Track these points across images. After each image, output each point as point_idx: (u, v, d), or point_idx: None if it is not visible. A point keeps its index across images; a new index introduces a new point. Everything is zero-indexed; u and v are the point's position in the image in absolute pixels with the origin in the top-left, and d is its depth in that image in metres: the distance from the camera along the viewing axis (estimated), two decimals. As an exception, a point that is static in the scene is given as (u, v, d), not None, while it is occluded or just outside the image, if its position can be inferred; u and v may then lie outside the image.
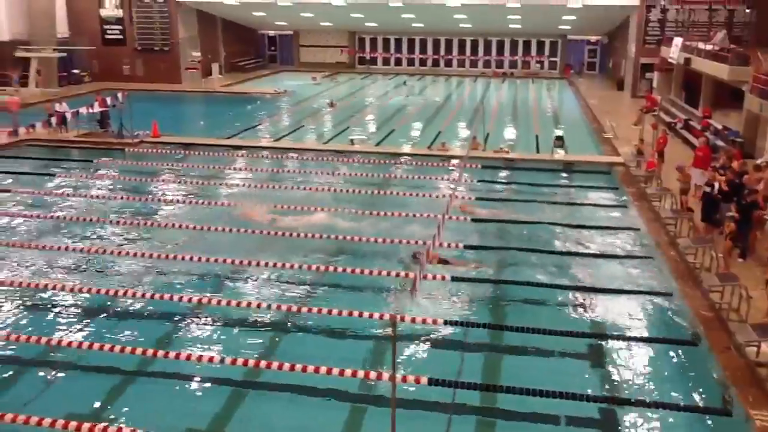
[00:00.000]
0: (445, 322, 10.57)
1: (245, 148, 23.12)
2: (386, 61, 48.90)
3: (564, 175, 20.47)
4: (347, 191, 17.71)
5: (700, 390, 9.14)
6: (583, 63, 47.48)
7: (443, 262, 12.96)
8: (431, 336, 10.44)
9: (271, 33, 49.05)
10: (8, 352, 10.03)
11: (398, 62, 48.72)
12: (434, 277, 12.11)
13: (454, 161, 21.15)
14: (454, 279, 12.23)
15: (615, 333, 10.65)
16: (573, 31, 44.83)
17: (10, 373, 9.62)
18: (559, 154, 22.05)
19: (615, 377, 9.49)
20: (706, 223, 13.95)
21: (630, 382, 9.35)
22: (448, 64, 48.37)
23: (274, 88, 37.31)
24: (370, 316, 10.54)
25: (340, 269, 12.49)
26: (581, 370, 9.72)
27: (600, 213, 16.58)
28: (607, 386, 9.30)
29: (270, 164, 21.31)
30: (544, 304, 11.62)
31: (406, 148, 23.49)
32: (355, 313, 10.58)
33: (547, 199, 17.40)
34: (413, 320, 10.52)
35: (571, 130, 26.72)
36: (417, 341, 10.30)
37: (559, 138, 23.30)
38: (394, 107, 32.96)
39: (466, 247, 13.84)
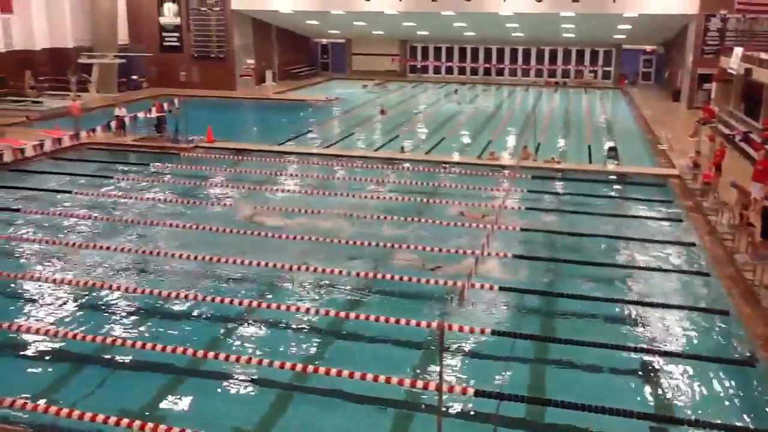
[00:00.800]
0: (493, 332, 10.49)
1: (296, 155, 23.40)
2: (437, 70, 48.91)
3: (617, 186, 20.12)
4: (396, 199, 17.77)
5: (755, 413, 8.85)
6: (638, 73, 46.58)
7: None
8: (478, 346, 10.38)
9: (324, 41, 49.60)
10: (66, 349, 10.36)
11: (449, 71, 48.66)
12: (482, 287, 12.04)
13: (504, 171, 21.01)
14: (501, 289, 12.14)
15: (667, 350, 10.40)
16: (628, 41, 44.05)
17: (68, 369, 9.94)
18: (612, 165, 21.68)
19: (666, 395, 9.27)
20: (765, 238, 13.52)
21: (682, 401, 9.11)
22: (500, 73, 48.08)
23: (326, 96, 37.71)
24: (417, 324, 10.53)
25: (387, 276, 12.51)
26: (631, 386, 9.52)
27: (654, 226, 16.24)
28: (657, 404, 9.08)
29: (320, 171, 21.52)
30: (594, 318, 11.43)
31: (456, 157, 23.44)
32: (402, 321, 10.58)
33: (599, 211, 17.13)
34: (460, 329, 10.47)
35: (625, 141, 26.26)
36: (463, 351, 10.27)
37: (612, 149, 22.92)
38: (444, 116, 32.94)
39: (515, 256, 13.71)
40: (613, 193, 19.43)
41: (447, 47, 48.24)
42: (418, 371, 9.69)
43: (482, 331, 10.47)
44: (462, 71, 48.39)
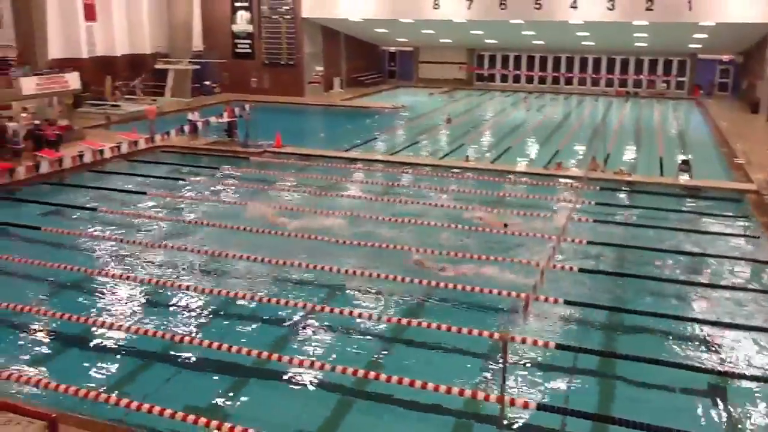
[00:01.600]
0: (557, 346, 10.31)
1: (361, 161, 23.60)
2: (504, 78, 48.50)
3: (689, 200, 19.47)
4: (460, 207, 17.70)
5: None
6: (714, 83, 44.94)
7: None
8: (541, 359, 10.24)
9: (392, 49, 49.91)
10: (136, 345, 10.73)
11: (517, 79, 48.19)
12: (546, 299, 11.86)
13: (571, 182, 20.65)
14: (567, 302, 11.93)
15: (741, 372, 10.00)
16: (704, 50, 42.63)
17: (138, 364, 10.29)
18: (685, 179, 21.00)
19: (739, 420, 8.91)
20: None
21: (755, 427, 8.74)
22: (569, 82, 47.31)
23: (392, 103, 37.91)
24: (480, 333, 10.46)
25: (450, 285, 12.46)
26: (702, 409, 9.19)
27: (729, 242, 15.65)
28: (728, 429, 8.74)
29: (384, 178, 21.64)
30: (664, 335, 11.09)
31: (522, 167, 23.19)
32: (464, 330, 10.53)
33: (670, 225, 16.63)
34: (523, 341, 10.34)
35: (699, 153, 25.41)
36: (526, 363, 10.13)
37: (685, 162, 22.20)
38: (511, 125, 32.64)
39: (581, 270, 13.45)
40: (685, 208, 18.80)
41: (515, 55, 47.79)
42: (478, 382, 9.61)
43: (546, 345, 10.31)
44: (530, 80, 47.85)
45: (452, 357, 10.39)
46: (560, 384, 9.68)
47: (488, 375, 9.88)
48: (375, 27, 41.81)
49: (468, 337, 10.47)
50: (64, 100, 27.00)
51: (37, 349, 10.76)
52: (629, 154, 26.07)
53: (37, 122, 23.04)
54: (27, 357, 10.37)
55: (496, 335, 10.32)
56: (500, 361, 8.81)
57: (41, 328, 11.30)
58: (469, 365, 10.20)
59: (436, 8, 36.83)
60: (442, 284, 12.52)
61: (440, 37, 44.04)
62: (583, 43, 42.00)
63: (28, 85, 23.26)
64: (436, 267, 13.57)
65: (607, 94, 44.87)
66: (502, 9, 35.67)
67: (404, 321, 11.15)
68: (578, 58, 46.80)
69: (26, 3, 27.17)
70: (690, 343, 10.88)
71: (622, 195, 19.88)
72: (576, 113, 38.54)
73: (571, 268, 13.44)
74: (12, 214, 16.99)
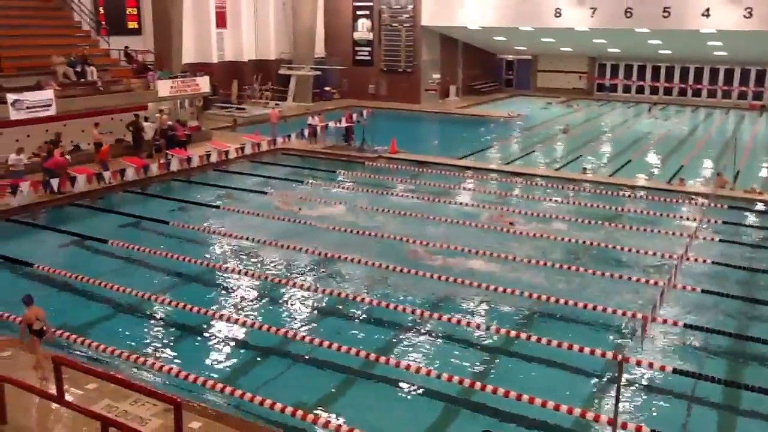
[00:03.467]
0: (674, 371, 9.85)
1: (475, 170, 23.48)
2: (627, 89, 46.69)
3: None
4: (575, 220, 17.25)
5: None
6: None
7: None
8: (657, 383, 9.81)
9: (510, 57, 49.32)
10: (249, 338, 11.21)
11: (640, 90, 46.24)
12: (664, 321, 11.34)
13: (696, 199, 19.62)
14: (687, 326, 11.36)
15: None
16: None
17: (251, 357, 10.75)
18: (826, 201, 19.43)
19: None
20: None
21: None
22: (697, 93, 44.85)
23: (509, 112, 37.47)
24: (592, 352, 10.16)
25: (562, 300, 12.18)
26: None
27: None
28: None
29: (497, 187, 21.42)
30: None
31: (642, 181, 22.28)
32: (575, 347, 10.26)
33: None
34: (638, 363, 9.95)
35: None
36: (641, 386, 9.75)
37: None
38: (632, 137, 31.38)
39: (704, 291, 12.76)
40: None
41: (639, 65, 45.88)
42: (589, 401, 9.34)
43: (663, 369, 9.87)
44: (654, 91, 45.80)
45: (562, 374, 10.15)
46: (676, 411, 9.23)
47: (599, 395, 9.59)
48: (494, 35, 41.47)
49: (579, 355, 10.20)
50: (194, 103, 28.61)
51: (159, 336, 11.48)
52: (763, 172, 24.44)
53: (169, 123, 24.55)
54: (150, 342, 11.09)
55: (611, 355, 10.02)
56: (613, 381, 8.53)
57: (164, 317, 12.04)
58: (579, 383, 9.93)
59: (557, 16, 36.08)
60: (553, 299, 12.25)
61: (560, 46, 43.07)
62: (714, 53, 39.77)
63: (164, 87, 24.83)
64: (428, 257, 14.46)
65: (739, 107, 42.16)
66: (627, 17, 34.42)
67: (513, 333, 11.00)
68: (708, 68, 44.33)
69: (165, 12, 29.03)
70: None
71: (753, 215, 18.67)
72: (703, 127, 36.57)
73: (693, 290, 12.78)
74: (144, 209, 18.22)
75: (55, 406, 8.08)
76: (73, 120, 22.26)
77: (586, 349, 10.19)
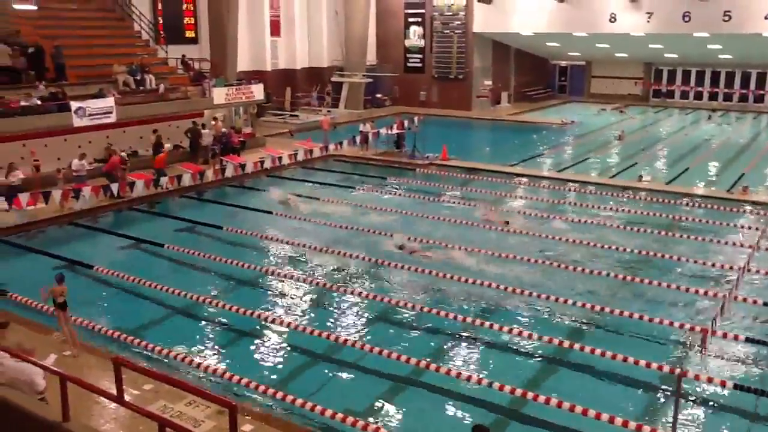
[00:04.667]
0: (735, 386, 9.52)
1: (527, 177, 23.24)
2: (684, 95, 45.54)
3: None
4: (630, 228, 16.88)
5: None
6: None
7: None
8: (717, 399, 9.50)
9: (563, 63, 48.71)
10: (300, 343, 11.28)
11: (698, 96, 45.03)
12: (725, 335, 10.99)
13: (759, 208, 18.97)
14: (748, 340, 10.98)
15: None
16: None
17: (302, 362, 10.83)
18: None
19: None
20: None
21: None
22: (759, 99, 43.45)
23: (562, 119, 36.97)
24: (648, 365, 9.90)
25: (617, 311, 11.91)
26: None
27: None
28: None
29: (549, 194, 21.15)
30: None
31: (700, 190, 21.68)
32: (630, 359, 10.02)
33: None
34: (697, 377, 9.66)
35: None
36: (699, 401, 9.46)
37: None
38: (690, 144, 30.57)
39: (766, 304, 12.31)
40: None
41: (697, 70, 44.71)
42: (645, 415, 9.10)
43: (723, 384, 9.56)
44: (713, 97, 44.54)
45: (617, 386, 9.93)
46: (737, 428, 8.92)
47: (655, 409, 9.35)
48: (547, 41, 41.03)
49: (635, 367, 9.96)
50: (248, 110, 29.12)
51: (212, 338, 11.69)
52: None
53: (224, 130, 25.04)
54: (203, 345, 11.29)
55: (668, 368, 9.76)
56: (670, 395, 8.31)
57: (217, 320, 12.25)
58: (635, 397, 9.70)
59: (612, 21, 35.47)
60: (608, 309, 12.01)
61: (615, 51, 42.33)
62: (778, 57, 38.53)
63: (219, 95, 25.36)
64: (420, 252, 14.88)
65: (805, 113, 40.72)
66: (685, 21, 33.60)
67: (566, 343, 10.81)
68: (771, 73, 42.92)
69: (220, 21, 29.67)
70: None
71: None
72: (766, 134, 35.37)
73: (755, 302, 12.35)
74: (199, 213, 18.61)
75: (113, 405, 8.31)
76: (132, 127, 22.92)
77: (642, 362, 9.94)
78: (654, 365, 9.89)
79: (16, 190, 17.02)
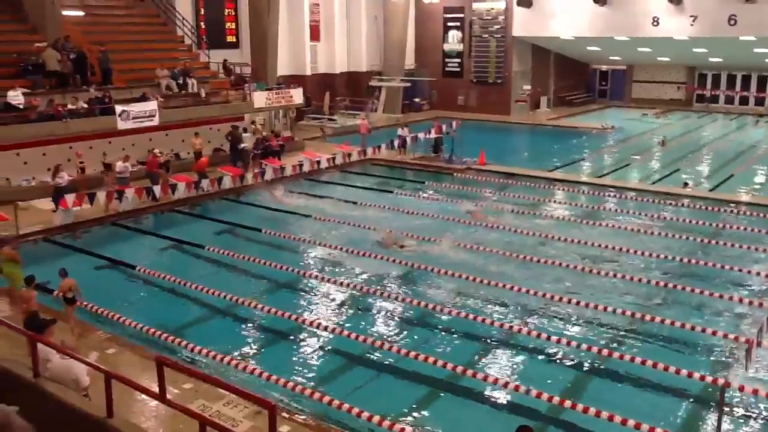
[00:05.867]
0: (781, 399, 9.29)
1: (565, 182, 22.99)
2: (729, 100, 44.54)
3: None
4: (672, 235, 16.58)
5: None
6: None
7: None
8: (762, 412, 9.26)
9: (604, 67, 48.09)
10: (338, 346, 11.35)
11: (744, 101, 43.99)
12: (771, 346, 10.72)
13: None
14: (795, 351, 10.69)
15: None
16: None
17: (339, 364, 10.90)
18: None
19: None
20: None
21: None
22: (808, 104, 42.32)
23: (602, 124, 36.47)
24: (690, 375, 9.70)
25: (658, 318, 11.72)
26: None
27: None
28: None
29: (588, 201, 20.88)
30: None
31: (746, 197, 21.17)
32: (672, 369, 9.83)
33: None
34: (741, 389, 9.43)
35: None
36: (743, 414, 9.23)
37: None
38: (735, 150, 29.88)
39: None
40: None
41: (743, 75, 43.74)
42: (687, 427, 8.94)
43: (768, 396, 9.33)
44: (760, 102, 43.50)
45: (657, 396, 9.76)
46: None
47: (697, 420, 9.17)
48: (587, 45, 40.56)
49: (677, 377, 9.77)
50: (288, 114, 29.39)
51: (250, 339, 11.83)
52: None
53: (264, 133, 25.31)
54: (241, 346, 11.41)
55: (712, 379, 9.55)
56: (712, 406, 8.14)
57: (255, 321, 12.38)
58: (676, 407, 9.52)
59: (655, 25, 34.91)
60: (649, 317, 11.82)
61: (658, 55, 41.63)
62: (828, 61, 37.49)
63: (260, 99, 25.66)
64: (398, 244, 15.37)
65: None
66: (731, 25, 32.88)
67: (605, 351, 10.67)
68: (821, 78, 41.76)
69: (261, 26, 30.03)
70: None
71: None
72: (816, 140, 34.43)
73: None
74: (239, 216, 18.84)
75: (153, 403, 8.47)
76: (174, 130, 23.34)
77: (684, 371, 9.75)
78: (696, 375, 9.70)
79: (63, 191, 17.47)
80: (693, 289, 12.99)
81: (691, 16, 33.74)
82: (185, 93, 24.24)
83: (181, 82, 24.21)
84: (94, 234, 17.47)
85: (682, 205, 19.90)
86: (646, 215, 18.83)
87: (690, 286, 13.20)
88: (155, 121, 21.64)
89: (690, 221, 18.03)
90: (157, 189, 18.72)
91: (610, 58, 44.95)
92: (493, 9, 39.16)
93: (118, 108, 20.69)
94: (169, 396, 5.81)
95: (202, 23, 31.08)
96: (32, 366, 6.31)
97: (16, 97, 19.74)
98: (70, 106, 20.49)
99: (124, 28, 26.35)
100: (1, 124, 19.10)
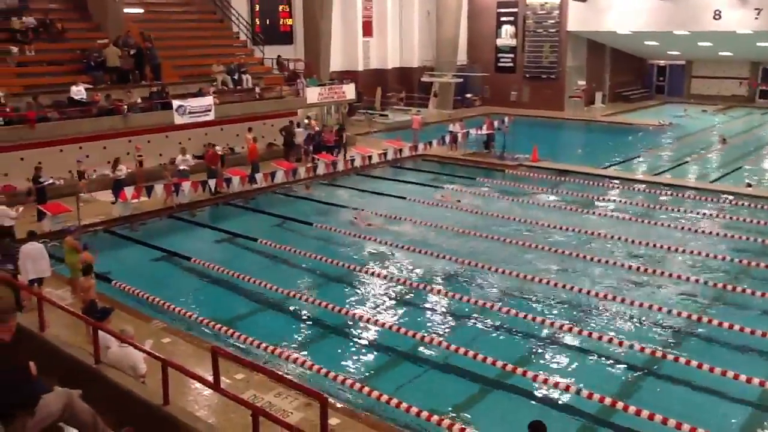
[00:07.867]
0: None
1: (620, 180, 22.53)
2: (796, 96, 42.90)
3: None
4: (733, 237, 16.10)
5: None
6: None
7: None
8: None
9: (662, 63, 46.87)
10: (387, 341, 11.40)
11: (812, 97, 42.34)
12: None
13: None
14: None
15: None
16: None
17: (388, 358, 10.97)
18: None
19: None
20: None
21: None
22: None
23: (659, 120, 35.58)
24: (748, 380, 9.44)
25: (715, 321, 11.41)
26: None
27: None
28: None
29: (644, 199, 20.42)
30: None
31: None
32: (730, 373, 9.57)
33: None
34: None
35: None
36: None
37: None
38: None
39: None
40: None
41: (812, 70, 42.08)
42: (742, 432, 8.71)
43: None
44: (828, 98, 41.80)
45: (713, 400, 9.54)
46: None
47: (755, 427, 8.90)
48: (645, 39, 39.58)
49: (733, 382, 9.53)
50: (340, 109, 29.60)
51: (301, 332, 11.98)
52: None
53: (317, 128, 25.55)
54: (292, 338, 11.57)
55: (768, 384, 9.28)
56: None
57: (306, 314, 12.53)
58: (732, 412, 9.28)
59: (716, 19, 33.82)
60: (705, 319, 11.52)
61: (719, 50, 40.33)
62: None
63: (312, 94, 25.92)
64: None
65: None
66: (800, 18, 31.67)
67: (659, 353, 10.46)
68: None
69: (315, 22, 30.31)
70: None
71: None
72: None
73: None
74: (290, 210, 19.09)
75: (207, 392, 8.68)
76: (229, 125, 23.77)
77: (742, 376, 9.49)
78: (755, 380, 9.42)
79: (122, 184, 18.01)
80: (754, 292, 12.60)
81: (756, 9, 32.57)
82: (240, 88, 24.64)
83: (236, 77, 24.62)
84: (151, 226, 17.95)
85: (743, 204, 19.27)
86: (703, 214, 18.33)
87: (751, 288, 12.81)
88: (211, 116, 22.08)
89: (751, 221, 17.47)
90: (212, 183, 19.11)
91: (669, 53, 43.76)
92: (547, 3, 38.57)
93: (175, 103, 21.19)
94: (221, 386, 5.96)
95: (257, 19, 31.51)
96: (93, 352, 6.55)
97: (79, 92, 20.44)
98: (127, 102, 21.07)
99: (180, 24, 26.98)
100: (65, 119, 19.80)
